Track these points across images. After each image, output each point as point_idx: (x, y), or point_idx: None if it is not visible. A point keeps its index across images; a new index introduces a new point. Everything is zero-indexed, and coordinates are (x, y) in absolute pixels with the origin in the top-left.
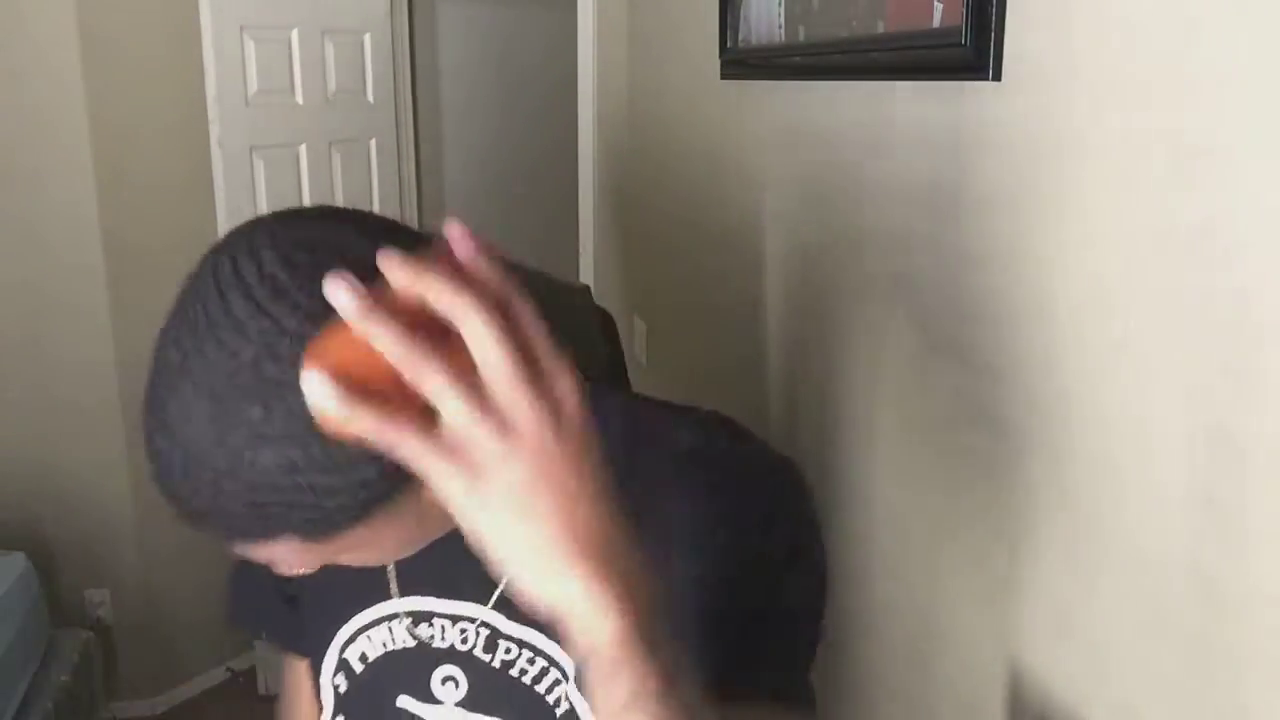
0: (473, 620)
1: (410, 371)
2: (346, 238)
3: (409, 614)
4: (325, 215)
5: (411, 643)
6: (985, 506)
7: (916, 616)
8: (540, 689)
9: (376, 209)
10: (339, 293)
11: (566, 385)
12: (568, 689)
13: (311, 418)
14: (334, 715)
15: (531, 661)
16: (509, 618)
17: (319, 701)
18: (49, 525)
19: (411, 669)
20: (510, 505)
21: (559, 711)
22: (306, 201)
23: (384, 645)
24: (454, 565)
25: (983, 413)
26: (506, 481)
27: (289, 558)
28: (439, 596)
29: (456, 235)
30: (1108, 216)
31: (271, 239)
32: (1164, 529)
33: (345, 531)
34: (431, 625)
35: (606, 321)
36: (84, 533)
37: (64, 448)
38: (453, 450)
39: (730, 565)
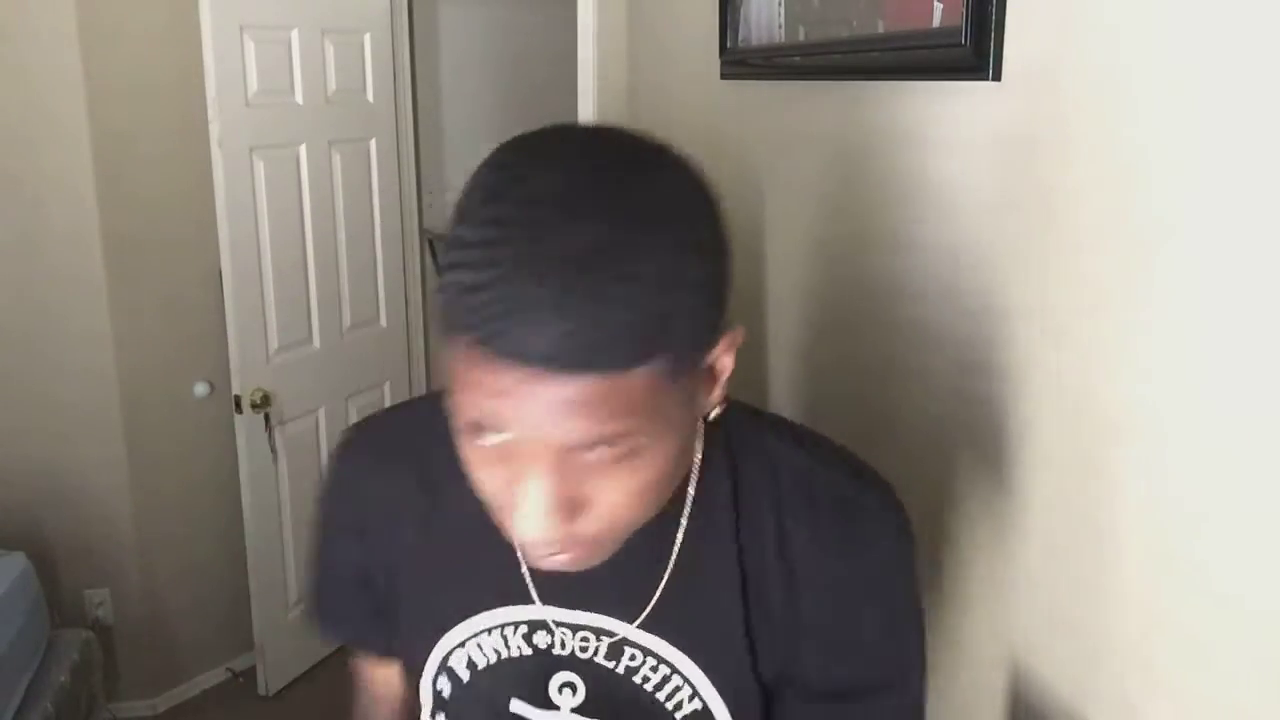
0: (597, 630)
1: None
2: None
3: (531, 623)
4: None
5: (529, 651)
6: (985, 506)
7: None
8: (661, 696)
9: (376, 209)
10: None
11: None
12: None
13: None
14: (433, 714)
15: (655, 669)
16: (645, 628)
17: (409, 701)
18: (49, 525)
19: (528, 675)
20: None
21: (679, 716)
22: (306, 202)
23: (496, 653)
24: (594, 579)
25: (982, 412)
26: None
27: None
28: (571, 608)
29: None
30: (1108, 216)
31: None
32: (1164, 528)
33: (631, 367)
34: (551, 633)
35: None
36: (84, 533)
37: (64, 448)
38: None
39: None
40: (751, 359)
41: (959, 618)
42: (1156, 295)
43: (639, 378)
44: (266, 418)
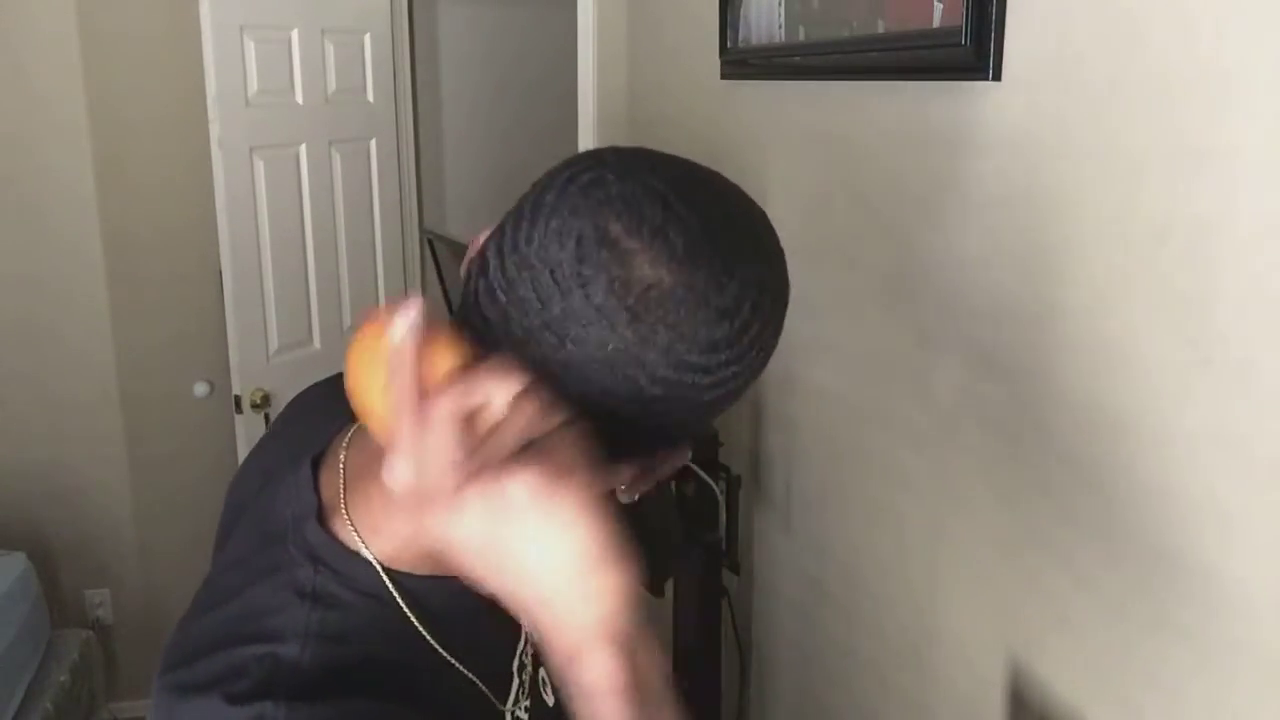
0: (520, 672)
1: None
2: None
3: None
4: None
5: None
6: (985, 506)
7: (916, 616)
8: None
9: (376, 209)
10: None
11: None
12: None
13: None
14: None
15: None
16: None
17: None
18: (49, 525)
19: None
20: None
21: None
22: (306, 202)
23: None
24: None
25: (982, 413)
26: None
27: None
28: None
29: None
30: (1108, 216)
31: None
32: (1164, 527)
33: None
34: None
35: None
36: (84, 533)
37: (64, 448)
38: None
39: None
40: None
41: (961, 618)
42: (1156, 294)
43: None
44: (266, 418)
